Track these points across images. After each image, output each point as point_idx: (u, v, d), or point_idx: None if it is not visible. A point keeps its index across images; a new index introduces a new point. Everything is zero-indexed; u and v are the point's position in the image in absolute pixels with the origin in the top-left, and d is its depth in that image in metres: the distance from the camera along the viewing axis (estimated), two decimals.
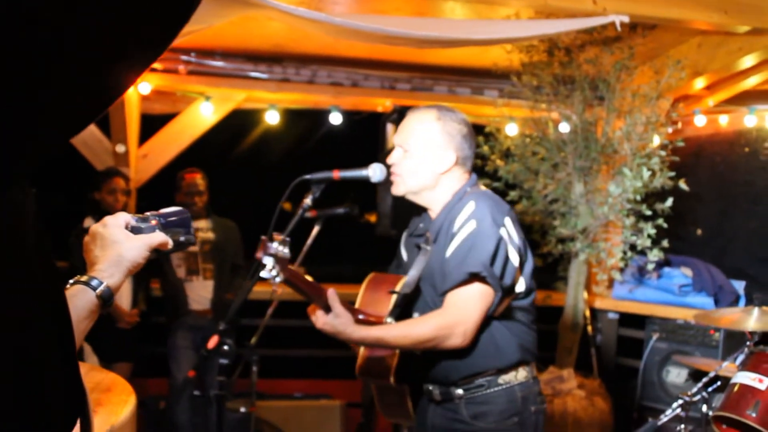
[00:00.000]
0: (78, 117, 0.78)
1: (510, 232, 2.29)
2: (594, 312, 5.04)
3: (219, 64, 4.68)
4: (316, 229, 2.78)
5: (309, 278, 2.28)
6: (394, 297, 2.39)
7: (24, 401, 0.82)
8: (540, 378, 4.46)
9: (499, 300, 2.27)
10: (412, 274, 2.39)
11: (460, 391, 2.33)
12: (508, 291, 2.29)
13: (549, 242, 4.53)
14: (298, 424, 4.71)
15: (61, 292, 0.91)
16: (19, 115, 0.74)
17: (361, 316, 2.33)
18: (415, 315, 2.41)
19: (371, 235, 4.67)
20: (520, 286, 2.34)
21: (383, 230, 4.43)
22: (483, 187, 2.47)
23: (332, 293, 2.27)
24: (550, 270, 4.77)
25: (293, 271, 2.23)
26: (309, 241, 2.78)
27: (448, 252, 2.28)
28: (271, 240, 2.19)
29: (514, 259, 2.28)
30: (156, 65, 4.48)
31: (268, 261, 2.16)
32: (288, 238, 2.22)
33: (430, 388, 2.39)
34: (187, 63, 4.60)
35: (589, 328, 4.93)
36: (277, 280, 2.17)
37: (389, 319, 2.36)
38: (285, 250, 2.19)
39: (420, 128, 2.41)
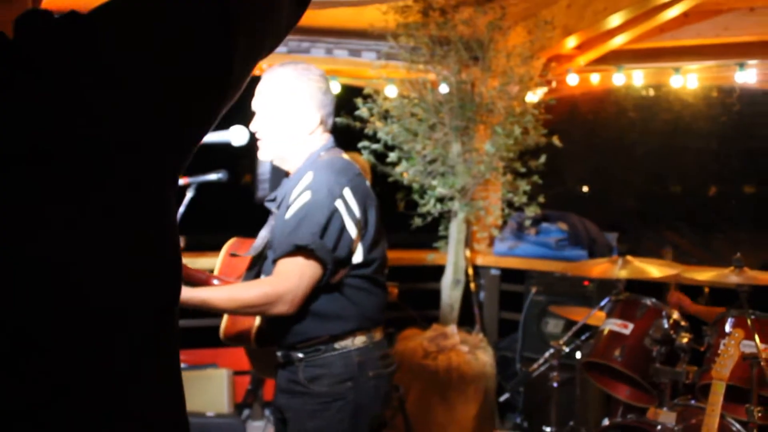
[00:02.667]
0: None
1: (349, 203, 2.27)
2: (476, 269, 5.15)
3: None
4: (188, 197, 2.72)
5: None
6: (251, 260, 2.37)
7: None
8: (424, 336, 4.57)
9: (332, 271, 2.26)
10: (261, 236, 2.37)
11: (299, 355, 2.34)
12: (342, 262, 2.29)
13: (428, 202, 4.59)
14: (185, 394, 4.64)
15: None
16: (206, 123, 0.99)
17: (215, 282, 2.30)
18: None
19: (251, 201, 4.62)
20: (358, 257, 2.32)
21: (263, 194, 4.39)
22: (343, 154, 2.44)
23: None
24: (431, 229, 4.84)
25: None
26: (181, 209, 2.72)
27: (284, 221, 2.27)
28: None
29: (351, 230, 2.27)
30: None
31: None
32: None
33: (276, 352, 2.40)
34: None
35: (472, 285, 5.04)
36: None
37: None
38: None
39: (279, 89, 2.36)
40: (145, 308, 0.98)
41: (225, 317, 2.42)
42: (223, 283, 2.32)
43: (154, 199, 0.95)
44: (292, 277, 2.21)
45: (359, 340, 2.33)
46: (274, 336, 2.37)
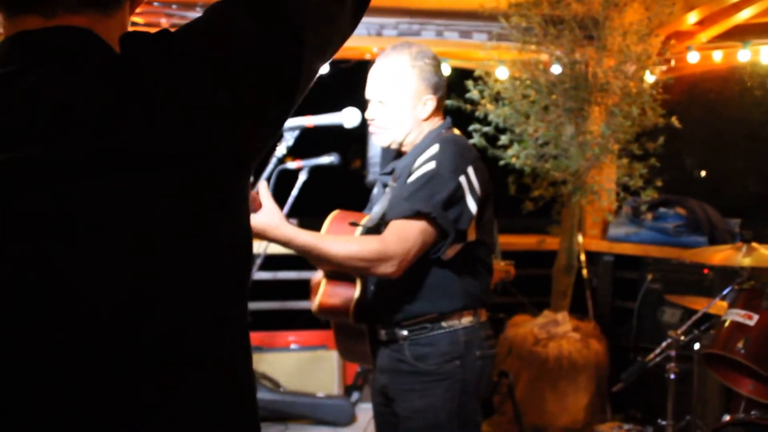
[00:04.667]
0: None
1: (471, 180, 2.25)
2: (589, 255, 5.02)
3: None
4: (301, 180, 2.75)
5: None
6: (358, 231, 2.36)
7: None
8: (535, 322, 4.49)
9: (449, 244, 2.24)
10: (376, 210, 2.37)
11: (404, 333, 2.33)
12: (460, 236, 2.26)
13: (541, 185, 4.49)
14: (296, 375, 4.73)
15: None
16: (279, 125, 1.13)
17: None
18: None
19: (362, 184, 4.64)
20: (472, 235, 2.30)
21: (374, 178, 4.40)
22: (457, 131, 2.44)
23: (263, 186, 2.15)
24: (543, 214, 4.74)
25: None
26: (294, 192, 2.75)
27: (404, 187, 2.25)
28: None
29: (472, 207, 2.25)
30: (137, 19, 4.39)
31: None
32: None
33: (378, 328, 2.39)
34: (169, 16, 4.52)
35: (585, 271, 4.91)
36: None
37: None
38: None
39: (394, 78, 2.35)
40: (212, 299, 1.02)
41: (321, 290, 2.41)
42: None
43: (231, 197, 1.04)
44: (408, 240, 2.17)
45: (466, 320, 2.33)
46: (378, 312, 2.37)
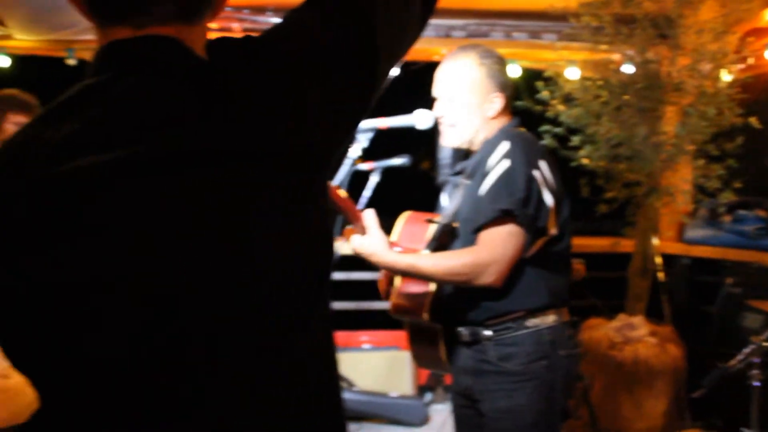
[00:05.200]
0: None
1: (545, 174, 2.26)
2: (666, 257, 4.91)
3: (273, 20, 4.66)
4: (373, 181, 2.76)
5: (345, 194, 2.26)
6: (432, 230, 2.37)
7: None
8: (609, 326, 4.41)
9: (532, 240, 2.22)
10: (450, 207, 2.39)
11: (488, 333, 2.32)
12: (541, 232, 2.25)
13: (614, 187, 4.42)
14: (369, 375, 4.75)
15: None
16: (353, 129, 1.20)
17: (397, 249, 2.32)
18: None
19: (432, 184, 4.63)
20: (554, 229, 2.29)
21: (445, 179, 4.39)
22: (523, 130, 2.44)
23: (370, 214, 2.26)
24: (617, 216, 4.65)
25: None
26: (367, 192, 2.77)
27: (482, 190, 2.25)
28: None
29: (549, 200, 2.25)
30: (212, 24, 4.48)
31: None
32: None
33: (459, 329, 2.38)
34: (241, 21, 4.60)
35: (661, 274, 4.81)
36: None
37: (426, 252, 2.34)
38: None
39: (463, 76, 2.37)
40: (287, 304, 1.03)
41: (395, 288, 2.43)
42: (404, 250, 2.35)
43: (314, 192, 1.06)
44: (497, 246, 2.21)
45: (550, 319, 2.32)
46: (457, 311, 2.37)
